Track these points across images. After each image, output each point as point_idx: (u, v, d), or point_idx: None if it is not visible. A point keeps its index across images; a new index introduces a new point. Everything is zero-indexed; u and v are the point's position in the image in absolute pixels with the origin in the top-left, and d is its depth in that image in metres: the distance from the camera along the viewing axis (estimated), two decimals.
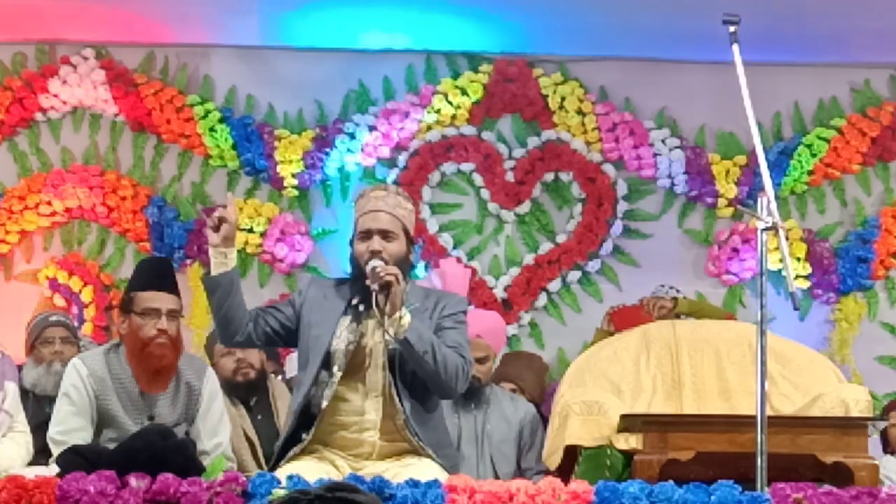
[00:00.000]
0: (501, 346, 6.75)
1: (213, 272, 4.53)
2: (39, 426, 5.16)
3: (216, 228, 4.50)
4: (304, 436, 4.51)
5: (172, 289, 5.06)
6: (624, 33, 7.82)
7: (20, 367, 6.07)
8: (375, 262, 4.44)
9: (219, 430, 5.11)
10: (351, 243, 4.64)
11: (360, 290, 4.54)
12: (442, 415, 4.72)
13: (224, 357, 5.82)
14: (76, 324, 7.44)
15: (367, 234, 4.54)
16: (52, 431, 4.96)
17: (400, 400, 4.48)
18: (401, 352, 4.45)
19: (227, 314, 4.53)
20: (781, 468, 4.58)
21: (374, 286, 4.38)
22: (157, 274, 5.09)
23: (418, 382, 4.51)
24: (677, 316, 6.94)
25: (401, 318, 4.39)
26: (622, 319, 7.12)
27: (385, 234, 4.54)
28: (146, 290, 5.00)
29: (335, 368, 4.51)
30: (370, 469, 4.45)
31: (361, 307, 4.55)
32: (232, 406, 5.67)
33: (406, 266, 4.58)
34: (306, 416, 4.53)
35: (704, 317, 6.73)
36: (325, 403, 4.49)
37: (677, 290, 7.32)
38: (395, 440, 4.53)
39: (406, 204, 4.67)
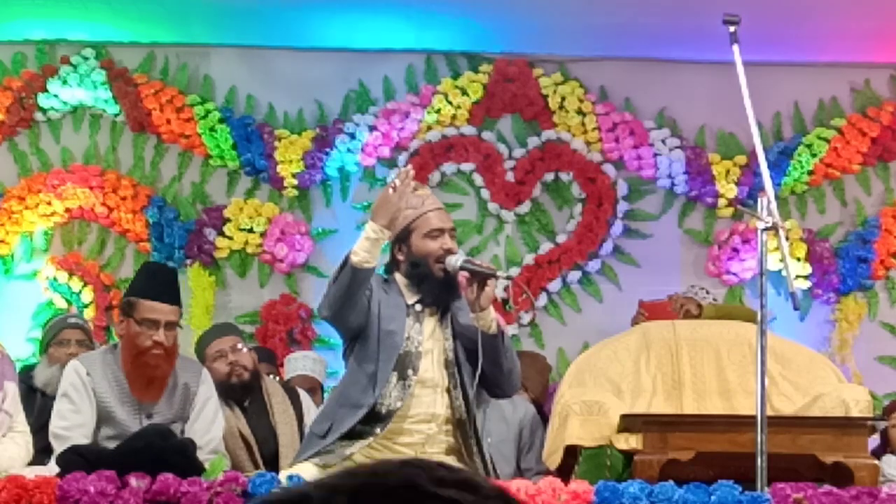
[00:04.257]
0: None
1: (367, 262, 4.33)
2: (44, 426, 5.17)
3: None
4: (378, 430, 4.48)
5: (174, 299, 5.07)
6: (624, 33, 7.82)
7: (34, 367, 6.10)
8: (460, 256, 4.45)
9: (212, 427, 5.13)
10: (402, 242, 4.55)
11: (431, 290, 4.52)
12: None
13: (217, 360, 5.83)
14: None
15: (439, 232, 4.52)
16: (55, 426, 4.99)
17: (463, 395, 4.49)
18: (466, 348, 4.46)
19: (356, 301, 4.42)
20: (781, 468, 4.58)
21: (475, 278, 4.38)
22: (160, 284, 5.09)
23: (472, 380, 4.51)
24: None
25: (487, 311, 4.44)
26: (653, 312, 7.11)
27: (452, 233, 4.56)
28: (148, 298, 5.01)
29: (409, 371, 4.50)
30: None
31: (418, 307, 4.55)
32: (227, 407, 5.68)
33: None
34: (371, 414, 4.49)
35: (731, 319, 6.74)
36: (399, 404, 4.48)
37: (707, 292, 7.34)
38: (451, 434, 4.54)
39: None
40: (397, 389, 4.49)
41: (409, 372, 4.49)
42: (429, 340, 4.53)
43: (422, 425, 4.51)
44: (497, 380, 4.52)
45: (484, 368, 4.46)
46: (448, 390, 4.52)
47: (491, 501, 1.04)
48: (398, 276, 4.59)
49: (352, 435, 4.47)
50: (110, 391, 4.99)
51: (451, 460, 4.50)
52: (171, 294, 5.07)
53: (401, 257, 4.57)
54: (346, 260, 4.35)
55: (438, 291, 4.50)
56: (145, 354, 4.96)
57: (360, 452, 4.45)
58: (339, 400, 4.63)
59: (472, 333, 4.46)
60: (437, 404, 4.51)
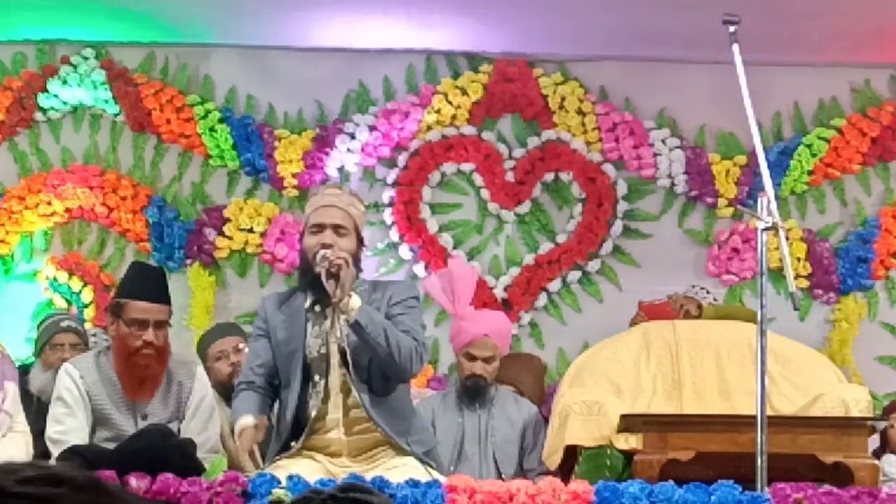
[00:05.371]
0: (507, 346, 6.76)
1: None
2: (42, 432, 5.17)
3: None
4: (293, 444, 4.53)
5: (162, 298, 5.07)
6: (624, 33, 7.82)
7: (28, 370, 6.08)
8: (324, 251, 4.45)
9: (208, 425, 5.14)
10: (300, 240, 4.65)
11: (309, 285, 4.55)
12: (407, 400, 4.70)
13: (218, 361, 5.83)
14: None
15: (319, 228, 4.53)
16: (50, 431, 4.98)
17: (357, 393, 4.48)
18: (353, 346, 4.46)
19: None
20: (781, 468, 4.58)
21: (323, 271, 4.38)
22: (147, 283, 5.09)
23: (373, 373, 4.51)
24: None
25: (349, 301, 4.41)
26: (652, 314, 7.11)
27: (337, 229, 4.54)
28: (136, 299, 5.01)
29: (316, 377, 4.53)
30: (348, 468, 4.47)
31: (318, 308, 4.56)
32: (228, 408, 5.68)
33: (355, 264, 4.57)
34: (295, 426, 4.55)
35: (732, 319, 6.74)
36: (313, 413, 4.51)
37: (707, 292, 7.34)
38: (361, 433, 4.54)
39: (359, 205, 4.70)
40: (312, 398, 4.52)
41: (317, 377, 4.53)
42: (325, 343, 4.55)
43: (330, 434, 4.54)
44: (383, 366, 4.48)
45: (371, 358, 4.46)
46: (346, 390, 4.52)
47: (82, 492, 1.10)
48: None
49: (281, 450, 4.56)
50: (104, 393, 4.99)
51: (363, 462, 4.51)
52: (158, 293, 5.06)
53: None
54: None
55: (321, 287, 4.46)
56: (136, 355, 4.97)
57: (284, 458, 4.50)
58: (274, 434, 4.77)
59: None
60: (333, 407, 4.53)
